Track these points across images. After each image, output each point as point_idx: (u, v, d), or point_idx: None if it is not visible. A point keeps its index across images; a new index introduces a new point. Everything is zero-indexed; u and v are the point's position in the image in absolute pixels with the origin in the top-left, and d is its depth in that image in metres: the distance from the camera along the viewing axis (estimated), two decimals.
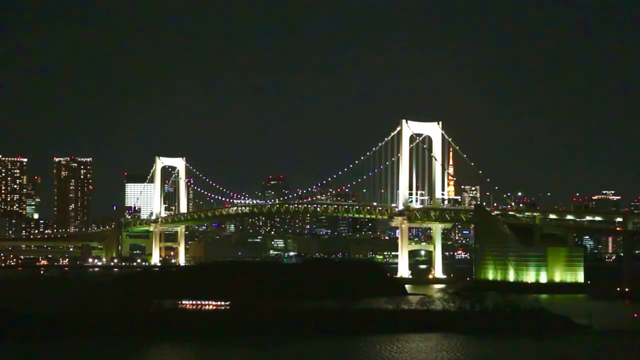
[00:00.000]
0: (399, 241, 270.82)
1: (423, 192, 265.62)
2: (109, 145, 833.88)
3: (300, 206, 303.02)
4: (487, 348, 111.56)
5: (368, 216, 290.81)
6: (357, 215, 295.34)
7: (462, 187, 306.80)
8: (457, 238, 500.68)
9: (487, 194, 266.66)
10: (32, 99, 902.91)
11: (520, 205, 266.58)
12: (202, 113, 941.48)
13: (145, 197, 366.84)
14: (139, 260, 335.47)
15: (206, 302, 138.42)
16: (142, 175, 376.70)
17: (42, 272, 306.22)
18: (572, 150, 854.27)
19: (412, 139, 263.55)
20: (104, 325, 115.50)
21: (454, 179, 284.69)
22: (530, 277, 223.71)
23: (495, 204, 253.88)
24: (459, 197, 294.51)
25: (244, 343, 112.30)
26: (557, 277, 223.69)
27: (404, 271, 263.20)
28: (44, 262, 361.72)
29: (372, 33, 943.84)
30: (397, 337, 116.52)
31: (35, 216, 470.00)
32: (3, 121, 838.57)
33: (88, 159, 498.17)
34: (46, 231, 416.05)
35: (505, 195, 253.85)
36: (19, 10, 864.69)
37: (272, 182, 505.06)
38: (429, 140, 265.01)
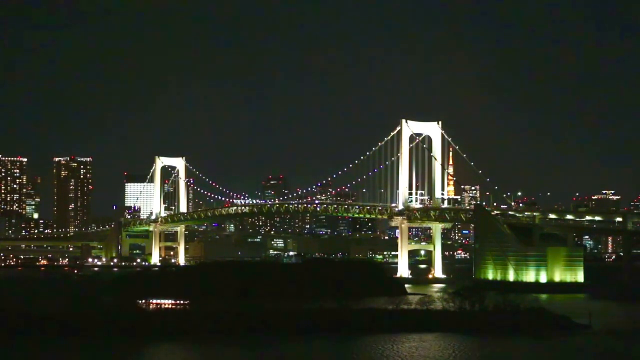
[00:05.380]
0: (399, 241, 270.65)
1: (423, 192, 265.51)
2: (109, 145, 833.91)
3: (300, 206, 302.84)
4: (487, 348, 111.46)
5: (368, 216, 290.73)
6: (357, 215, 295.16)
7: (462, 187, 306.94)
8: (457, 238, 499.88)
9: (487, 194, 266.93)
10: (32, 99, 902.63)
11: (520, 205, 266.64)
12: (202, 113, 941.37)
13: (145, 197, 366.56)
14: (139, 260, 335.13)
15: (166, 302, 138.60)
16: (142, 175, 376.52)
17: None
18: (572, 151, 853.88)
19: (412, 139, 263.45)
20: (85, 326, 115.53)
21: (454, 179, 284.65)
22: (530, 277, 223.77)
23: (495, 204, 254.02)
24: (459, 197, 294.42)
25: (231, 343, 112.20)
26: (557, 277, 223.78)
27: (404, 271, 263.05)
28: (44, 262, 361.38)
29: (372, 33, 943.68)
30: (396, 337, 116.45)
31: (35, 216, 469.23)
32: (3, 121, 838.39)
33: (88, 159, 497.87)
34: (46, 231, 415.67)
35: (505, 195, 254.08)
36: (19, 10, 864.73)
37: (272, 182, 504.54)
38: (429, 140, 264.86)
